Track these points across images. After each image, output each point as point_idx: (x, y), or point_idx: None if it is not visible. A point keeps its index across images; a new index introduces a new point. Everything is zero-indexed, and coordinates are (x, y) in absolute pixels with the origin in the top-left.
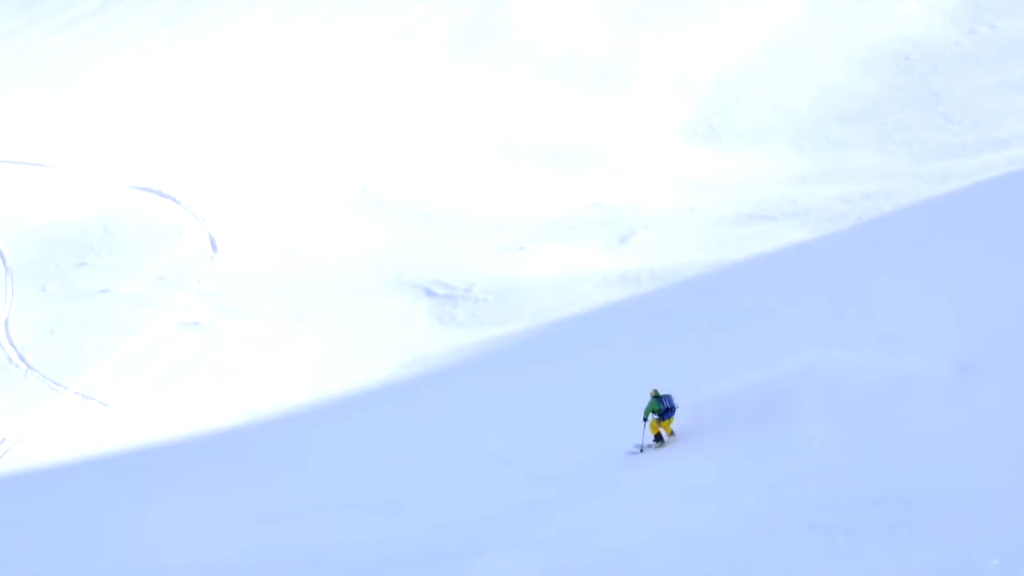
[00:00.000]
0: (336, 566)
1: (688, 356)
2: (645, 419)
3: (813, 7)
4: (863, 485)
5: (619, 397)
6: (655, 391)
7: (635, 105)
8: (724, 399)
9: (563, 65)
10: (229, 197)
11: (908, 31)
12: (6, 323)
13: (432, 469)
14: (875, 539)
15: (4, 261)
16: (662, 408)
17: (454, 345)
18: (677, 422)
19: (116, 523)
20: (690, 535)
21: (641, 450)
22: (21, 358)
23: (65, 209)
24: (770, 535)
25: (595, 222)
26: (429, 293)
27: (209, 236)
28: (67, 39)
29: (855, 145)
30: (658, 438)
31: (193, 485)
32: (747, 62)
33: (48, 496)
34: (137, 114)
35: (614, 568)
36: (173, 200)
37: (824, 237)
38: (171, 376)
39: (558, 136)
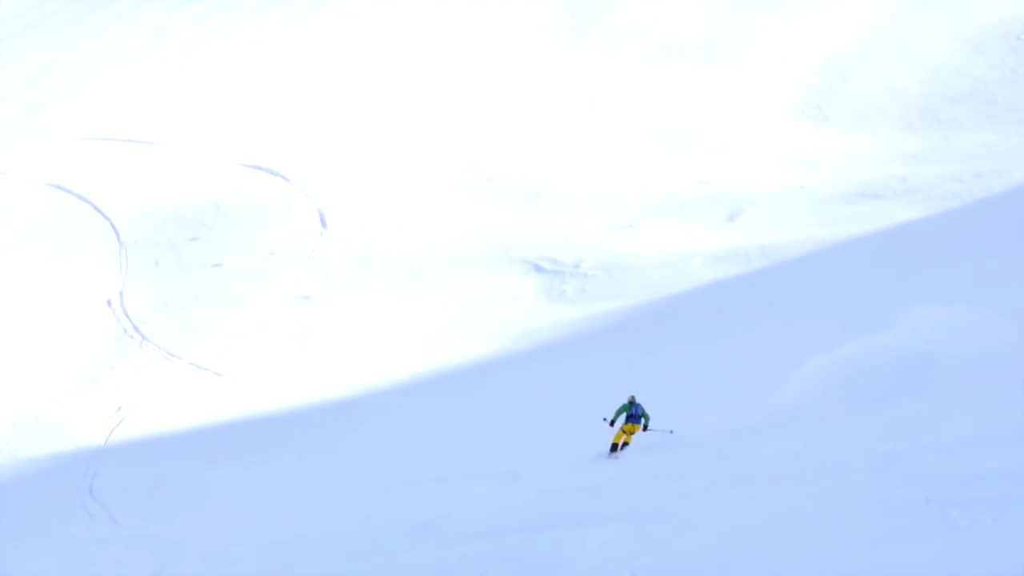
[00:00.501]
0: (449, 530)
1: (796, 334)
2: (613, 421)
3: None
4: (971, 461)
5: (726, 372)
6: (632, 397)
7: (743, 85)
8: (829, 376)
9: (670, 45)
10: (338, 174)
11: (1020, 11)
12: (121, 296)
13: (544, 441)
14: (991, 513)
15: (118, 236)
16: (630, 412)
17: (563, 320)
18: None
19: (228, 492)
20: (802, 512)
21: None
22: (136, 329)
23: (177, 186)
24: (886, 511)
25: (703, 200)
26: (538, 269)
27: (319, 212)
28: (179, 20)
29: (965, 125)
30: (614, 448)
31: (305, 455)
32: (855, 42)
33: (163, 465)
34: (248, 93)
35: (723, 544)
36: (283, 177)
37: (934, 216)
38: (283, 349)
39: (665, 115)
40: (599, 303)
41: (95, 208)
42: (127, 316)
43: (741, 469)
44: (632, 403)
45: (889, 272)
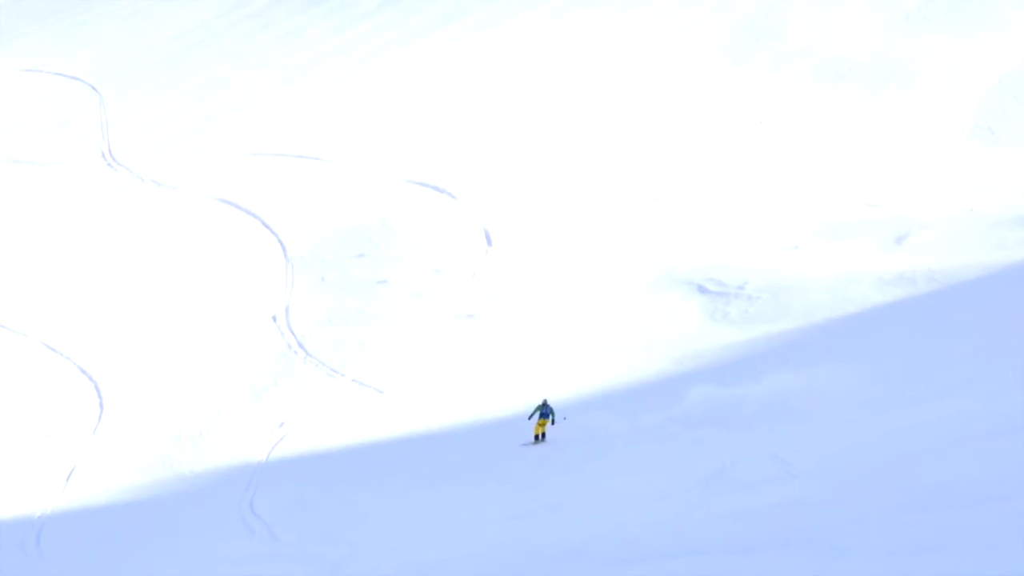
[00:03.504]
0: (597, 556)
1: (963, 358)
2: (531, 416)
3: None
4: None
5: (893, 396)
6: (544, 399)
7: (913, 106)
8: (994, 402)
9: (840, 66)
10: (504, 193)
11: None
12: (286, 311)
13: (695, 464)
14: None
15: (285, 252)
16: (542, 411)
17: (726, 342)
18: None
19: (384, 511)
20: (960, 543)
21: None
22: (300, 345)
23: (345, 202)
24: None
25: (870, 222)
26: (702, 290)
27: (484, 231)
28: (350, 37)
29: None
30: (537, 438)
31: (460, 475)
32: None
33: (322, 482)
34: (416, 110)
35: (877, 573)
36: (449, 195)
37: None
38: (445, 366)
39: (834, 136)
40: (763, 325)
41: (263, 224)
42: (291, 332)
43: (901, 495)
44: (544, 404)
45: None
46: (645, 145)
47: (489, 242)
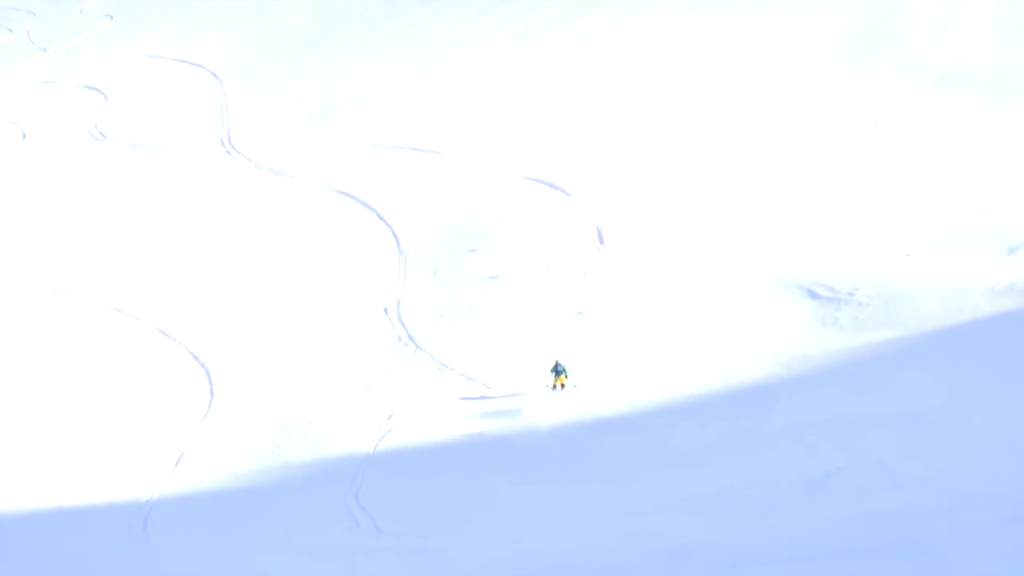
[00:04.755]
0: (704, 558)
1: None
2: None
3: None
4: None
5: (1003, 407)
6: (556, 360)
7: None
8: None
9: (959, 73)
10: (617, 192)
11: None
12: (398, 304)
13: (805, 468)
14: None
15: (399, 244)
16: (556, 370)
17: (835, 348)
18: None
19: (488, 505)
20: None
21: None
22: (411, 338)
23: (460, 197)
24: None
25: (984, 232)
26: (812, 295)
27: (596, 229)
28: (472, 30)
29: None
30: (555, 387)
31: (563, 472)
32: None
33: (428, 474)
34: (531, 107)
35: None
36: (563, 192)
37: None
38: (553, 363)
39: (950, 144)
40: (873, 332)
41: (378, 215)
42: (402, 324)
43: (1011, 508)
44: (557, 363)
45: None
46: (760, 147)
47: (601, 240)
